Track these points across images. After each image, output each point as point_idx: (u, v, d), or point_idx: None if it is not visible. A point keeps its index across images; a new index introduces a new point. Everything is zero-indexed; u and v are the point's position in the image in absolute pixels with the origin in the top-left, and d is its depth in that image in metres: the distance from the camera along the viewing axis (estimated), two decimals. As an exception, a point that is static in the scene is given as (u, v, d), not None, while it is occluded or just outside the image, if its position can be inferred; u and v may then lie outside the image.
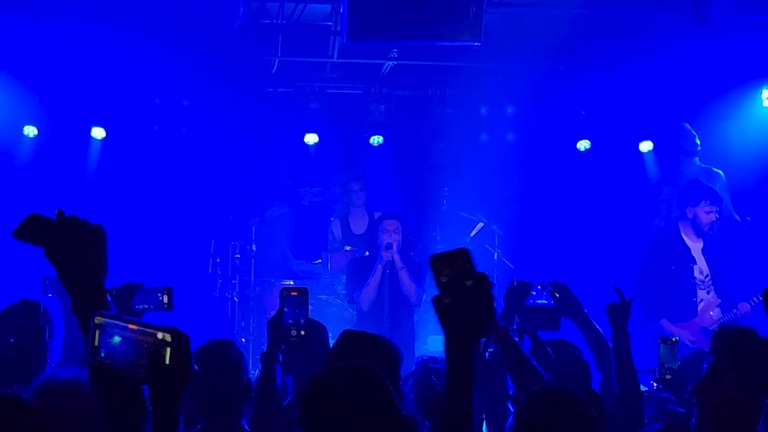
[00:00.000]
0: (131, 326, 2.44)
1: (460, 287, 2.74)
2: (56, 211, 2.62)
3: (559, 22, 11.35)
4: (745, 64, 12.11)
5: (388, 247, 10.79)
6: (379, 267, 10.93)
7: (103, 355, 2.47)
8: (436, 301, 2.82)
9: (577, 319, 5.66)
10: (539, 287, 5.76)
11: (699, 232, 10.70)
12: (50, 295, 6.37)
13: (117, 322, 2.47)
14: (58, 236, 2.64)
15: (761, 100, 12.49)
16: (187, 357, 2.46)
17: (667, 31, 11.48)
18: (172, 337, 2.41)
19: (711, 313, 10.51)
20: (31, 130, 12.39)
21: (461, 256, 2.80)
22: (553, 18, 11.26)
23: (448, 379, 2.85)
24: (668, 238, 10.94)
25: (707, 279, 10.73)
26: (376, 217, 11.48)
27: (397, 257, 10.82)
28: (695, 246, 10.81)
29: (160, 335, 2.41)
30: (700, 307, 10.63)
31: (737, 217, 11.91)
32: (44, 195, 11.68)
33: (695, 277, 10.77)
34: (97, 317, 2.49)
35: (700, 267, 10.79)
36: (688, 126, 12.11)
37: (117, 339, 2.43)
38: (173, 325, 2.48)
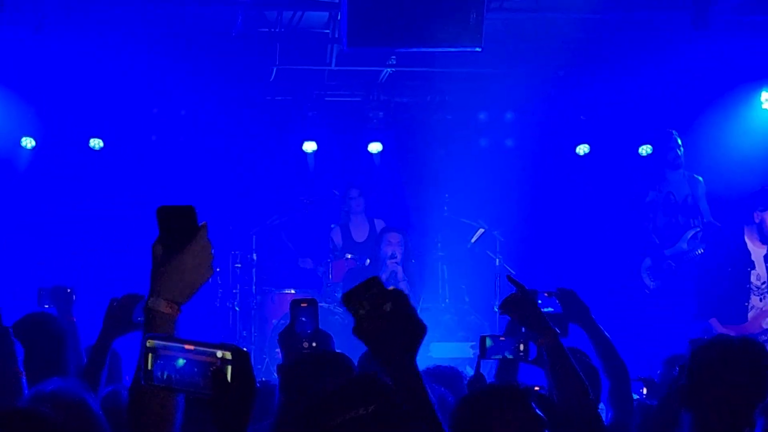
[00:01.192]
0: (188, 346, 2.36)
1: (378, 314, 2.70)
2: (202, 224, 2.70)
3: (558, 27, 11.35)
4: (745, 65, 12.10)
5: (393, 256, 10.91)
6: (382, 276, 10.82)
7: (162, 377, 2.39)
8: (357, 332, 2.76)
9: (585, 324, 5.58)
10: (546, 294, 5.69)
11: (764, 238, 10.48)
12: (47, 306, 6.27)
13: (171, 343, 2.39)
14: (188, 242, 2.69)
15: (761, 103, 12.46)
16: (249, 374, 2.41)
17: (666, 34, 11.48)
18: (232, 355, 2.33)
19: (763, 321, 10.36)
20: (28, 142, 12.33)
21: (372, 284, 2.71)
22: (552, 23, 11.27)
23: (400, 391, 2.79)
24: (731, 239, 10.76)
25: (763, 285, 10.55)
26: (377, 225, 11.46)
27: (399, 269, 10.91)
28: (757, 251, 10.59)
29: (219, 353, 2.33)
30: (750, 314, 10.45)
31: (717, 224, 12.01)
32: (42, 206, 11.59)
33: (751, 282, 10.56)
34: (149, 340, 2.42)
35: (758, 273, 10.59)
36: (675, 134, 12.13)
37: (181, 362, 2.35)
38: (231, 343, 2.41)
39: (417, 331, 2.73)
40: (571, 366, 4.51)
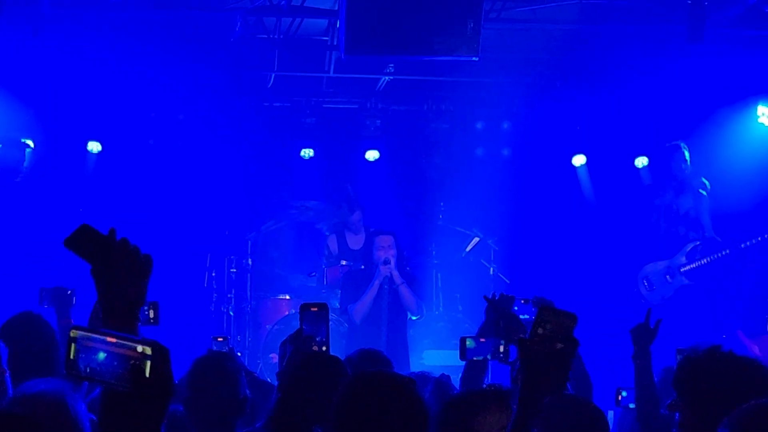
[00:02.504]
0: (110, 339, 2.35)
1: (549, 344, 2.91)
2: (109, 230, 2.58)
3: (556, 38, 11.42)
4: (741, 79, 12.14)
5: (386, 262, 10.82)
6: (377, 282, 10.96)
7: (84, 369, 2.38)
8: (523, 345, 2.98)
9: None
10: (522, 301, 5.90)
11: None
12: (46, 306, 6.34)
13: (94, 335, 2.37)
14: (108, 255, 2.58)
15: (757, 116, 12.47)
16: (167, 371, 2.38)
17: (662, 47, 11.49)
18: (152, 351, 2.33)
19: None
20: (27, 143, 12.25)
21: (569, 318, 2.94)
22: (549, 33, 11.31)
23: (517, 414, 2.98)
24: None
25: None
26: (371, 232, 11.40)
27: (395, 272, 10.86)
28: None
29: (140, 348, 2.33)
30: None
31: (718, 239, 12.04)
32: (40, 209, 11.64)
33: None
34: (73, 330, 2.39)
35: None
36: (682, 145, 12.20)
37: (102, 355, 2.35)
38: (154, 339, 2.39)
39: (558, 384, 2.89)
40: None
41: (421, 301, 10.99)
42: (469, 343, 5.30)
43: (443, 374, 5.81)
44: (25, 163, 11.92)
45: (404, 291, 10.94)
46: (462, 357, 5.31)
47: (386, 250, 10.90)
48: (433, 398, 5.19)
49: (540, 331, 2.87)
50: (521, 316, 5.73)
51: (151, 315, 5.25)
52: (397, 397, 3.26)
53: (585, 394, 5.41)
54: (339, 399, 3.38)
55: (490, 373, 6.18)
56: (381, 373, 3.49)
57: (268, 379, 7.39)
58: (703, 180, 12.18)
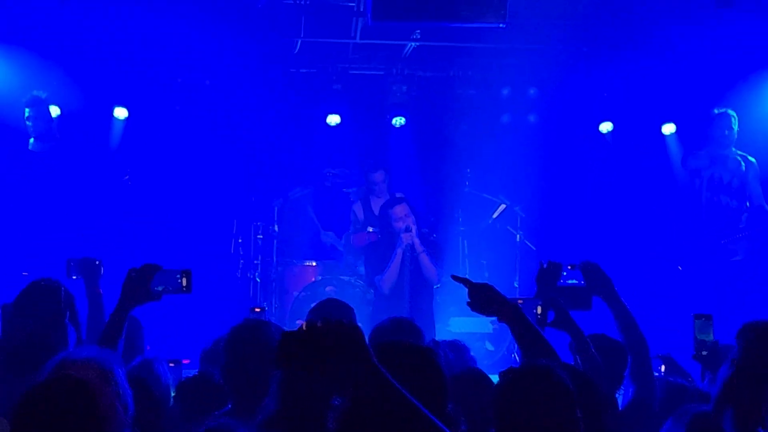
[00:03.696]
0: None
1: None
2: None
3: (582, 4, 11.39)
4: (769, 45, 11.74)
5: (408, 229, 10.68)
6: (400, 251, 10.79)
7: None
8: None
9: (608, 298, 5.60)
10: (569, 267, 5.73)
11: None
12: (74, 277, 6.30)
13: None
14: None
15: (787, 83, 12.09)
16: None
17: (690, 11, 11.42)
18: None
19: None
20: (53, 110, 12.14)
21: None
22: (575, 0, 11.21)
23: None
24: None
25: None
26: (383, 205, 11.35)
27: (417, 240, 10.72)
28: None
29: None
30: None
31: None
32: (66, 174, 11.67)
33: None
34: None
35: None
36: (731, 112, 11.98)
37: None
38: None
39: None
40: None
41: (440, 270, 10.82)
42: None
43: (456, 340, 6.04)
44: (49, 129, 11.82)
45: (425, 260, 10.81)
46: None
47: (404, 219, 10.78)
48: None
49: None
50: (569, 282, 5.70)
51: (184, 283, 5.22)
52: (416, 365, 3.25)
53: (618, 366, 5.60)
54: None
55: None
56: (399, 342, 3.44)
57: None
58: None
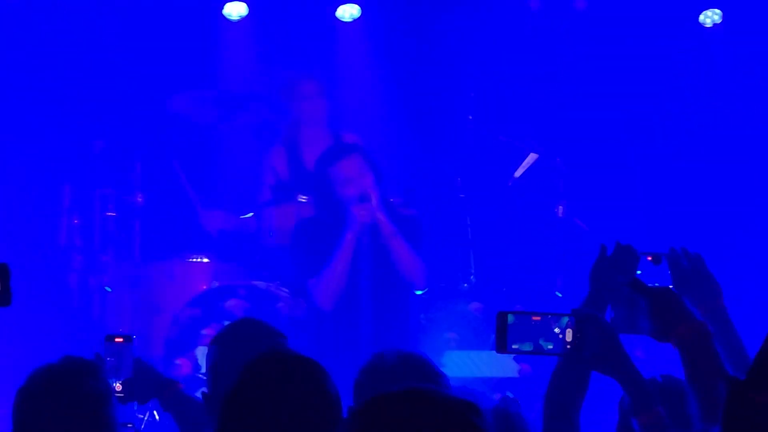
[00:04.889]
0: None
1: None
2: None
3: None
4: None
5: (363, 199, 10.01)
6: (350, 236, 10.07)
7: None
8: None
9: (712, 311, 5.45)
10: (648, 258, 5.58)
11: None
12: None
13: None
14: None
15: None
16: None
17: None
18: None
19: None
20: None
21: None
22: None
23: None
24: None
25: None
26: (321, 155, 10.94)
27: (381, 217, 10.04)
28: None
29: None
30: None
31: None
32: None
33: None
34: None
35: None
36: None
37: None
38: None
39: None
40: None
41: (423, 263, 10.39)
42: (510, 319, 4.97)
43: (507, 396, 6.14)
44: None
45: (398, 247, 10.12)
46: (500, 348, 4.88)
47: (356, 180, 10.12)
48: None
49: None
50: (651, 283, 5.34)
51: None
52: None
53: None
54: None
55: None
56: (425, 392, 3.48)
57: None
58: None
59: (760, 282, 12.12)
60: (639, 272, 5.53)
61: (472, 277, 12.07)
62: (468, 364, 11.27)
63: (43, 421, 4.97)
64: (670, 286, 5.37)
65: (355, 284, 10.29)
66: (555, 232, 12.11)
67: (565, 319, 4.94)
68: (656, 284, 5.33)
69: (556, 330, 4.91)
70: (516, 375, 11.28)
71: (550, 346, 4.92)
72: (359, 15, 12.88)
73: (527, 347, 4.96)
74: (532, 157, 12.11)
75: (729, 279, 6.04)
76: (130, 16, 13.15)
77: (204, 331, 11.18)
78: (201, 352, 10.99)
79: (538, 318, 4.97)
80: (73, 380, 5.02)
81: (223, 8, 12.94)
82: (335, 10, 12.97)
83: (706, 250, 6.09)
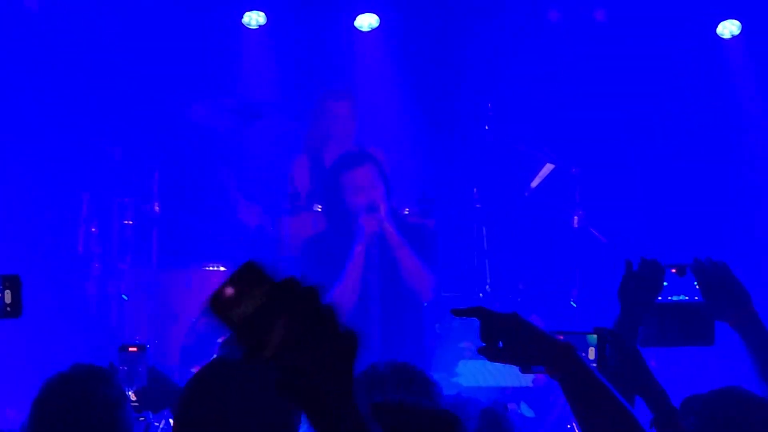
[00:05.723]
0: None
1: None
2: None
3: None
4: None
5: (372, 209, 10.07)
6: (359, 249, 10.21)
7: None
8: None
9: (742, 323, 5.46)
10: (673, 271, 5.58)
11: None
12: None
13: None
14: None
15: None
16: None
17: None
18: None
19: None
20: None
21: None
22: None
23: None
24: None
25: None
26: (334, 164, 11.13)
27: (388, 227, 10.13)
28: None
29: None
30: None
31: None
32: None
33: None
34: None
35: None
36: None
37: None
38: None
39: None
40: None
41: (432, 275, 10.48)
42: None
43: (497, 402, 5.73)
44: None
45: (405, 257, 10.26)
46: (524, 369, 4.53)
47: (368, 190, 10.20)
48: None
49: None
50: (677, 297, 5.59)
51: (8, 299, 5.08)
52: None
53: None
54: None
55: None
56: (410, 406, 3.62)
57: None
58: None
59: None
60: (665, 284, 5.56)
61: (487, 286, 12.09)
62: (483, 373, 11.22)
63: (58, 427, 4.98)
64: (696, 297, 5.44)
65: (366, 296, 10.39)
66: (571, 242, 12.17)
67: (589, 338, 4.90)
68: (683, 297, 5.57)
69: (583, 351, 4.88)
70: (530, 384, 11.21)
71: None
72: (378, 25, 12.90)
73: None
74: (548, 168, 12.20)
75: (756, 284, 6.04)
76: (150, 25, 13.14)
77: (220, 340, 11.57)
78: (217, 362, 11.35)
79: (561, 337, 4.77)
80: (86, 387, 5.03)
81: (242, 17, 12.95)
82: (354, 20, 12.99)
83: (729, 256, 6.09)
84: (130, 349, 6.77)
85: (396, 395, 4.53)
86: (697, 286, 5.58)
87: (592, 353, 4.85)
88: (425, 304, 10.75)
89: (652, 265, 5.53)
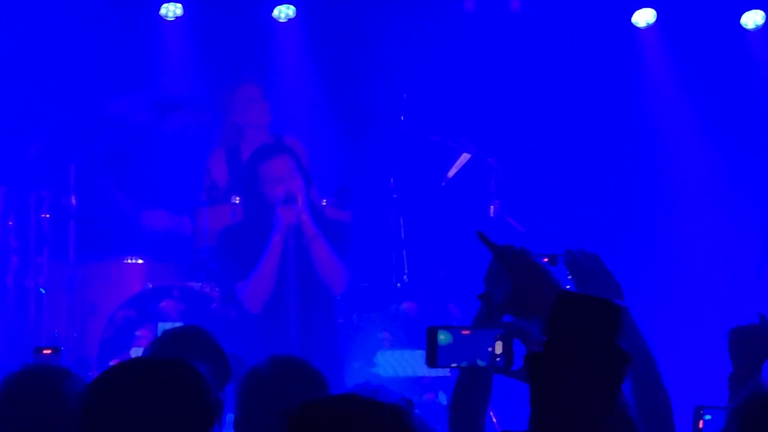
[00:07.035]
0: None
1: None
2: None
3: None
4: None
5: (289, 200, 10.15)
6: (277, 239, 10.26)
7: None
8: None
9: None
10: (545, 260, 5.21)
11: None
12: None
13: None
14: None
15: None
16: None
17: None
18: None
19: None
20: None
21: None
22: None
23: None
24: None
25: None
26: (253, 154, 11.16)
27: (306, 219, 10.19)
28: None
29: None
30: None
31: None
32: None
33: None
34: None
35: None
36: None
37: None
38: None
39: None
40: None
41: (345, 267, 10.51)
42: (443, 337, 4.73)
43: (404, 398, 5.36)
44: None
45: (319, 249, 10.31)
46: (431, 363, 4.66)
47: (285, 181, 10.29)
48: None
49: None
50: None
51: None
52: None
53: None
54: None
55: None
56: (324, 401, 3.57)
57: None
58: None
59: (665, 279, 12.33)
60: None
61: (405, 276, 12.17)
62: (401, 363, 11.41)
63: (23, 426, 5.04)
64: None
65: (283, 286, 10.42)
66: (488, 232, 12.10)
67: (495, 332, 4.85)
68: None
69: (495, 345, 4.89)
70: (448, 374, 11.14)
71: (481, 361, 4.87)
72: (294, 15, 12.99)
73: (458, 362, 4.95)
74: (464, 157, 12.30)
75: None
76: (63, 18, 13.02)
77: (138, 332, 11.35)
78: (135, 354, 10.94)
79: (468, 332, 4.90)
80: (52, 383, 5.11)
81: (159, 9, 12.99)
82: (271, 11, 13.05)
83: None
84: (45, 351, 6.77)
85: (283, 390, 4.81)
86: (569, 277, 5.52)
87: (498, 347, 4.84)
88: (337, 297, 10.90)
89: (520, 251, 5.28)
